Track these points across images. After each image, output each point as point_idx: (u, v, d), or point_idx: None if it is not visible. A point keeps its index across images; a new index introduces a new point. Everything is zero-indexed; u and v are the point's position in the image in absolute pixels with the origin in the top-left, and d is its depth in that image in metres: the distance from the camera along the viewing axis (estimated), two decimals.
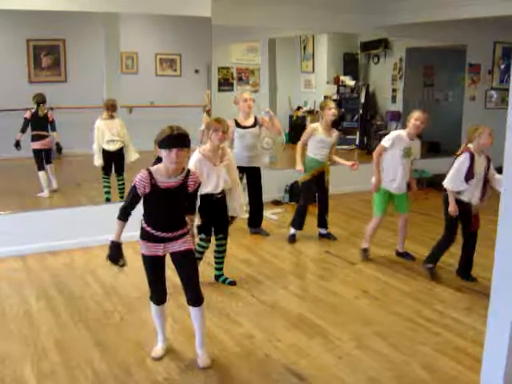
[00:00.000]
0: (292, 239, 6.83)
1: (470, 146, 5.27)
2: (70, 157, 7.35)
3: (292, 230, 6.87)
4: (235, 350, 4.20)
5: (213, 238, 5.43)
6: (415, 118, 5.76)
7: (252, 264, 6.09)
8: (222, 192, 5.23)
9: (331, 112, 6.52)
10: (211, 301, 5.04)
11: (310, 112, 13.14)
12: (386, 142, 5.87)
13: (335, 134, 6.74)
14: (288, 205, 8.55)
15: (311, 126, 6.78)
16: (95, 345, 4.24)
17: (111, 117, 7.30)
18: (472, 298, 5.13)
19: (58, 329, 4.49)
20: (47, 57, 8.00)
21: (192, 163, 4.97)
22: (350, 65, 12.73)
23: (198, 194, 4.16)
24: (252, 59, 12.87)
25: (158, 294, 3.97)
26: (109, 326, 4.55)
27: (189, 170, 3.78)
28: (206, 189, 5.08)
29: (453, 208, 5.32)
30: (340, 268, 5.96)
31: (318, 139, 6.60)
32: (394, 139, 5.83)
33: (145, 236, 3.78)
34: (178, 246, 3.80)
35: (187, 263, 3.87)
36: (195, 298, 3.90)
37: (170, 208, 3.74)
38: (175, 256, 3.84)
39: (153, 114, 8.41)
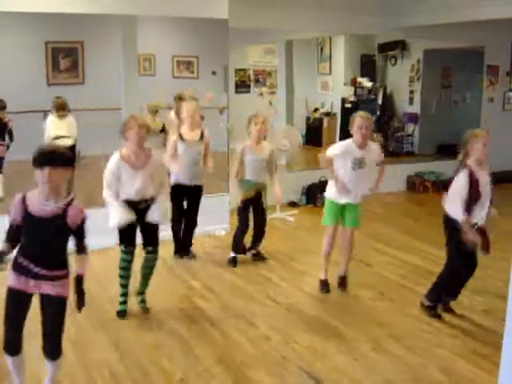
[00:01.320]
0: (233, 262, 6.12)
1: (469, 161, 4.58)
2: (87, 159, 7.37)
3: (232, 254, 6.17)
4: (251, 352, 4.21)
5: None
6: (358, 125, 5.02)
7: (268, 266, 6.10)
8: (148, 201, 4.67)
9: (257, 128, 5.82)
10: (227, 302, 5.06)
11: (327, 114, 13.14)
12: (331, 150, 5.21)
13: (268, 148, 6.01)
14: (305, 207, 8.53)
15: (239, 148, 5.94)
16: (112, 346, 4.27)
17: (62, 116, 7.14)
18: (490, 301, 5.08)
19: (74, 329, 4.49)
20: (65, 59, 8.07)
21: (109, 166, 4.57)
22: (367, 66, 12.70)
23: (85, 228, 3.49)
24: (269, 61, 12.90)
25: (13, 340, 3.34)
26: (126, 327, 4.58)
27: (72, 200, 3.27)
28: (125, 195, 4.59)
29: (471, 236, 4.39)
30: (356, 270, 5.94)
31: (248, 159, 5.89)
32: (342, 150, 5.15)
33: (16, 267, 3.26)
34: (52, 287, 3.27)
35: (54, 311, 3.34)
36: (51, 350, 3.39)
37: (45, 241, 3.22)
38: (45, 298, 3.31)
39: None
